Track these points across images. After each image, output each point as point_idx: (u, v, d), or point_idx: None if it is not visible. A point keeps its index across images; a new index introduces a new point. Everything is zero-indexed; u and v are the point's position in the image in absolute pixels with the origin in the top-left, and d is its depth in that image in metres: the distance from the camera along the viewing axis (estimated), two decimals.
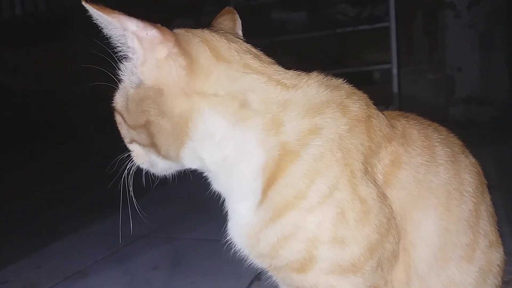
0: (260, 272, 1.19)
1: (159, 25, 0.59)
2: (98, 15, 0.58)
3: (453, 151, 0.67)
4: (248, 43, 0.66)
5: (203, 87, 0.59)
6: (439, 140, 0.66)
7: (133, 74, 0.61)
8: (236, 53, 0.61)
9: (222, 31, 0.65)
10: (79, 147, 3.92)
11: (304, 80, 0.62)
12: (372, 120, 0.62)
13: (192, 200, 2.02)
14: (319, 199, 0.57)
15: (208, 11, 3.77)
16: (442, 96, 3.66)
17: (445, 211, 0.63)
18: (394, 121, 0.66)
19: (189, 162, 0.64)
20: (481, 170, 0.70)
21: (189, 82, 0.58)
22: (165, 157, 0.64)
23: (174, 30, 0.62)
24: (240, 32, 0.72)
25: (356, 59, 3.79)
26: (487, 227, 0.67)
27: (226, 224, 0.66)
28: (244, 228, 0.62)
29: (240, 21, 0.73)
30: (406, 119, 0.68)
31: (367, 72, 3.75)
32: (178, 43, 0.59)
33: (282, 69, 0.64)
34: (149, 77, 0.59)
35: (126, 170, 0.70)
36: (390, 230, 0.59)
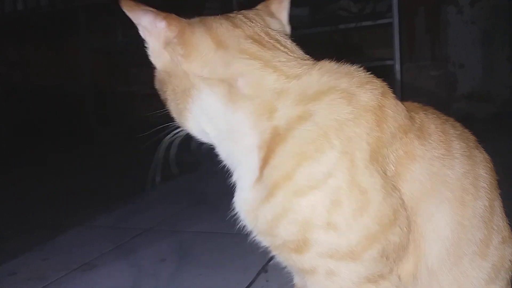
0: (267, 264, 1.20)
1: (172, 15, 0.66)
2: (125, 10, 0.67)
3: (468, 146, 0.67)
4: (269, 28, 0.69)
5: (201, 72, 0.65)
6: (455, 135, 0.66)
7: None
8: (236, 39, 0.65)
9: (240, 15, 0.69)
10: (84, 141, 3.93)
11: (308, 69, 0.63)
12: (385, 110, 0.61)
13: (196, 194, 2.04)
14: (308, 182, 0.58)
15: (210, 7, 3.77)
16: (444, 92, 3.66)
17: (459, 206, 0.62)
18: (413, 114, 0.66)
19: (198, 134, 0.70)
20: (492, 166, 0.70)
21: (188, 67, 0.65)
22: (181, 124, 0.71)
23: (190, 20, 0.67)
24: (280, 14, 0.75)
25: (359, 55, 3.80)
26: (500, 222, 0.67)
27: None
28: (245, 203, 0.64)
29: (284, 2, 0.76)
30: (425, 112, 0.68)
31: (370, 68, 3.75)
32: (181, 33, 0.65)
33: (291, 56, 0.65)
34: (158, 63, 0.69)
35: (171, 136, 0.75)
36: (397, 222, 0.59)
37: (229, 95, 0.63)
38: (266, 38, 0.66)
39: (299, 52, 0.68)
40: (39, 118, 4.03)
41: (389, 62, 3.51)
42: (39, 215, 1.93)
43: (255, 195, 0.62)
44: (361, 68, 0.64)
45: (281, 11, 0.75)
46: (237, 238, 1.46)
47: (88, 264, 1.35)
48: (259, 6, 0.74)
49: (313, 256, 0.59)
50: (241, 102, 0.62)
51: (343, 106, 0.59)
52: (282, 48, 0.66)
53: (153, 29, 0.66)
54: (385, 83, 0.64)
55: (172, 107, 0.69)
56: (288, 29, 0.76)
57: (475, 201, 0.63)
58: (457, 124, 0.70)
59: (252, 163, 0.63)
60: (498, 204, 0.67)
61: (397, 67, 3.45)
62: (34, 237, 1.61)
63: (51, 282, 1.25)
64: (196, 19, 0.68)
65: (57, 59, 4.54)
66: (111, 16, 4.38)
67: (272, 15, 0.73)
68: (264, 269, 1.19)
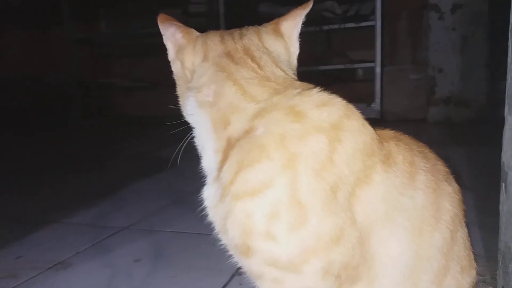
0: (241, 267, 1.22)
1: (189, 29, 0.77)
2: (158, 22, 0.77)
3: (436, 179, 0.68)
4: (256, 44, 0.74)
5: (191, 79, 0.74)
6: (424, 168, 0.68)
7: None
8: (216, 53, 0.72)
9: (238, 31, 0.76)
10: (62, 135, 3.88)
11: (267, 92, 0.66)
12: (342, 132, 0.62)
13: (174, 192, 2.04)
14: (244, 188, 0.61)
15: (195, 2, 3.75)
16: (423, 96, 3.74)
17: (417, 235, 0.64)
18: (384, 142, 0.67)
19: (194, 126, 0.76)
20: (461, 197, 0.72)
21: (187, 74, 0.75)
22: None
23: (204, 34, 0.77)
24: (291, 32, 0.78)
25: (341, 56, 3.84)
26: (461, 252, 0.69)
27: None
28: (209, 199, 0.69)
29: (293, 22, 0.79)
30: (396, 143, 0.69)
31: (351, 69, 3.80)
32: (189, 45, 0.75)
33: (256, 74, 0.68)
34: (173, 68, 0.80)
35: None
36: (341, 241, 0.60)
37: (201, 100, 0.70)
38: (241, 54, 0.71)
39: (271, 70, 0.70)
40: (18, 108, 3.96)
41: (370, 64, 3.56)
42: (14, 211, 1.91)
43: (215, 193, 0.67)
44: (325, 91, 0.65)
45: (292, 29, 0.78)
46: (213, 239, 1.47)
47: (63, 263, 1.35)
48: (272, 22, 0.79)
49: (258, 262, 0.62)
50: (205, 107, 0.69)
51: (286, 122, 0.61)
52: (251, 64, 0.69)
53: (172, 39, 0.78)
54: (351, 105, 0.65)
55: (180, 103, 0.79)
56: (295, 46, 0.79)
57: (433, 232, 0.65)
58: (431, 156, 0.72)
59: (213, 162, 0.69)
60: (461, 235, 0.69)
61: (378, 69, 3.51)
62: (8, 234, 1.60)
63: (23, 282, 1.24)
64: (206, 33, 0.77)
65: (39, 49, 4.46)
66: (95, 7, 4.32)
67: (276, 33, 0.77)
68: (238, 272, 1.21)
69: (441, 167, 0.71)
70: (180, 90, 0.79)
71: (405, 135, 0.73)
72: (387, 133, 0.71)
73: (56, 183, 2.36)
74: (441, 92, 3.63)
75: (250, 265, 0.64)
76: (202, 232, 1.50)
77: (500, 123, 0.87)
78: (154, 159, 2.75)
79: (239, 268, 1.22)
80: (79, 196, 2.09)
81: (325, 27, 3.56)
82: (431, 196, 0.66)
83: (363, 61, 3.66)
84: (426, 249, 0.64)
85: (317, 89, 0.65)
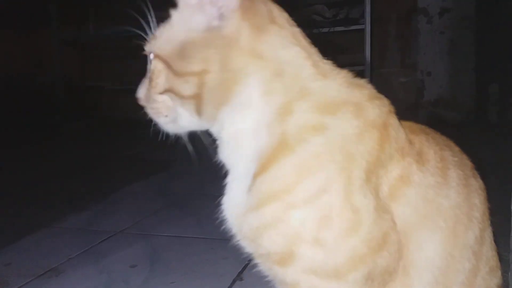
0: (242, 272, 1.20)
1: None
2: None
3: (465, 174, 0.66)
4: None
5: (257, 44, 0.58)
6: (453, 162, 0.66)
7: (204, 15, 0.59)
8: (285, 20, 0.62)
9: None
10: (50, 138, 3.79)
11: (335, 72, 0.61)
12: (388, 129, 0.60)
13: (169, 195, 2.00)
14: (305, 197, 0.56)
15: None
16: (412, 99, 3.77)
17: (451, 236, 0.62)
18: (413, 136, 0.64)
19: (213, 125, 0.64)
20: (486, 194, 0.69)
21: (250, 36, 0.58)
22: (199, 112, 0.62)
23: None
24: None
25: (331, 59, 3.85)
26: (489, 252, 0.67)
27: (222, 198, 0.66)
28: (235, 207, 0.63)
29: None
30: (426, 136, 0.66)
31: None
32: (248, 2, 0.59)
33: (322, 62, 0.63)
34: (229, 25, 0.58)
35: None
36: (386, 246, 0.57)
37: (270, 83, 0.58)
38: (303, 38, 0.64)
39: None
40: (4, 110, 3.86)
41: (359, 68, 3.57)
42: (2, 216, 1.84)
43: (245, 201, 0.61)
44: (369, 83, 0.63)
45: None
46: (212, 243, 1.45)
47: (55, 270, 1.30)
48: None
49: (297, 271, 0.58)
50: (276, 93, 0.58)
51: (351, 120, 0.58)
52: (312, 48, 0.64)
53: (206, 3, 0.58)
54: (389, 101, 0.62)
55: (209, 82, 0.58)
56: None
57: (466, 231, 0.63)
58: (456, 149, 0.69)
59: (250, 168, 0.60)
60: (488, 234, 0.68)
61: (368, 73, 3.52)
62: None
63: None
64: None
65: (27, 50, 4.37)
66: (83, 8, 4.25)
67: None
68: (239, 276, 1.18)
69: (467, 161, 0.69)
70: (210, 85, 0.59)
71: (429, 128, 0.70)
72: (414, 126, 0.68)
73: (45, 186, 2.29)
74: (430, 95, 3.66)
75: (286, 274, 0.59)
76: (200, 236, 1.47)
77: (487, 125, 0.86)
78: (147, 162, 2.71)
79: (241, 272, 1.21)
80: (70, 199, 2.03)
81: (315, 31, 3.57)
82: (462, 193, 0.64)
83: (353, 65, 3.68)
84: (460, 249, 0.62)
85: (364, 81, 0.63)
